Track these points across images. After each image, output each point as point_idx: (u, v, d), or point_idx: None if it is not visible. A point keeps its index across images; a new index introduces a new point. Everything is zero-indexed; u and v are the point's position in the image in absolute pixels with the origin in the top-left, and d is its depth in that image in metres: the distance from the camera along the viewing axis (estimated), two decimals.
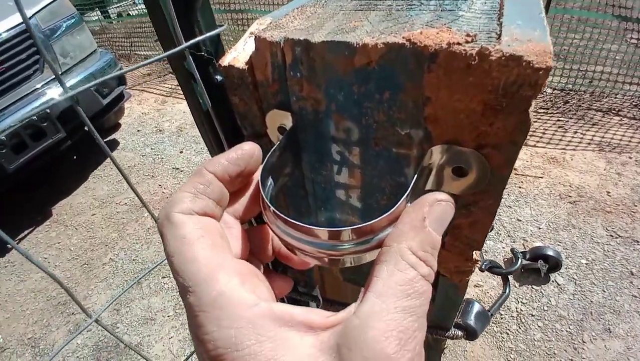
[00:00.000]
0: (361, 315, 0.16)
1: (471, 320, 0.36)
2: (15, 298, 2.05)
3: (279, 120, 0.28)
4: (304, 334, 0.17)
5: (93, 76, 2.45)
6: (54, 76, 2.27)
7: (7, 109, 2.08)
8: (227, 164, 0.22)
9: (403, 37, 0.20)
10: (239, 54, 0.26)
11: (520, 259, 0.44)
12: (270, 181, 0.25)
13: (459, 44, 0.18)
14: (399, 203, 0.20)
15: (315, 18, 0.26)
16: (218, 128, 0.29)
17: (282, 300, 0.50)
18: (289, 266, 0.27)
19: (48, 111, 2.16)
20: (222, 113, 0.30)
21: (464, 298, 0.37)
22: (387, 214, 0.19)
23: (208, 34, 0.26)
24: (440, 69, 0.19)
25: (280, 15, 0.28)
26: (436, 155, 0.23)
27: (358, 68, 0.22)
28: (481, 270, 0.43)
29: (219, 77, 0.29)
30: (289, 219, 0.20)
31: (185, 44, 0.24)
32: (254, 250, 0.25)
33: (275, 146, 0.25)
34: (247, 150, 0.23)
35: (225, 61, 0.26)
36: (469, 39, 0.19)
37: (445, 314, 0.36)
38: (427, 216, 0.18)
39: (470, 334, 0.36)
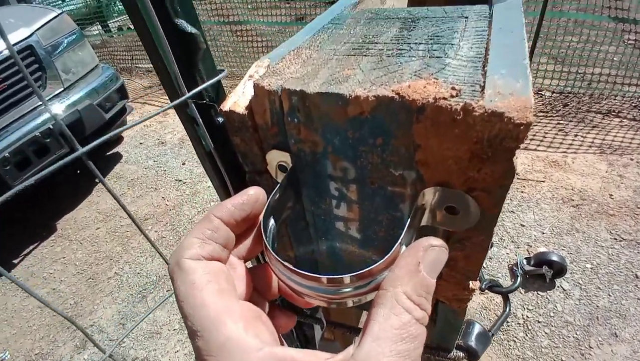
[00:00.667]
0: (359, 358, 0.17)
1: (472, 341, 0.37)
2: (21, 314, 2.06)
3: (278, 158, 0.29)
4: None
5: (96, 91, 2.48)
6: (56, 92, 2.30)
7: (10, 126, 2.11)
8: (233, 209, 0.23)
9: (392, 90, 0.21)
10: (238, 99, 0.28)
11: (519, 278, 0.45)
12: (272, 222, 0.26)
13: (444, 98, 0.20)
14: (394, 248, 0.21)
15: (311, 64, 0.27)
16: (221, 167, 0.30)
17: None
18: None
19: (51, 127, 2.19)
20: (225, 152, 0.31)
21: (465, 319, 0.38)
22: (383, 259, 0.20)
23: (209, 82, 0.27)
24: (428, 121, 0.20)
25: (277, 57, 0.30)
26: (428, 196, 0.24)
27: (351, 117, 0.23)
28: (481, 290, 0.44)
29: (220, 119, 0.30)
30: (290, 266, 0.21)
31: (187, 95, 0.26)
32: (258, 288, 0.26)
33: (275, 189, 0.26)
34: (252, 195, 0.24)
35: (226, 106, 0.27)
36: (454, 92, 0.20)
37: (446, 336, 0.37)
38: (421, 261, 0.19)
39: (472, 355, 0.37)
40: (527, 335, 1.70)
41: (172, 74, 0.24)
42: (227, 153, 0.30)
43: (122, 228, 2.45)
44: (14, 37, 2.17)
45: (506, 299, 0.43)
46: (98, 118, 2.49)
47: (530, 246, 1.98)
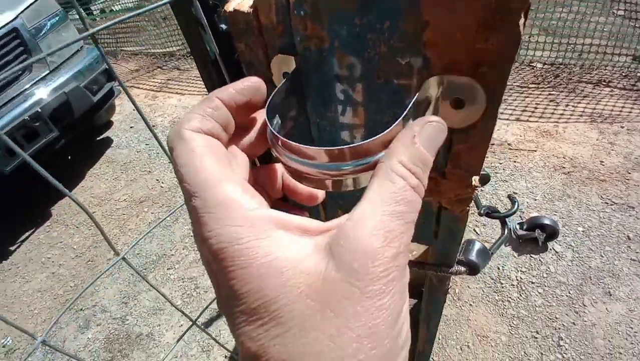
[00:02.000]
0: (352, 218, 0.18)
1: (472, 256, 0.38)
2: (22, 299, 2.06)
3: (283, 66, 0.30)
4: (299, 237, 0.19)
5: (81, 73, 2.43)
6: (42, 75, 2.25)
7: None
8: (234, 92, 0.23)
9: None
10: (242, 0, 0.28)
11: (517, 203, 0.47)
12: (277, 119, 0.26)
13: None
14: (394, 124, 0.20)
15: None
16: (226, 76, 0.30)
17: None
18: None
19: (39, 110, 2.15)
20: (228, 62, 0.31)
21: (465, 239, 0.39)
22: (382, 134, 0.20)
23: None
24: None
25: None
26: (433, 89, 0.24)
27: None
28: (480, 215, 0.45)
29: (223, 26, 0.30)
30: (292, 143, 0.21)
31: None
32: (261, 184, 0.26)
33: (279, 86, 0.26)
34: (254, 82, 0.24)
35: (230, 6, 0.27)
36: None
37: (448, 251, 0.38)
38: (417, 135, 0.19)
39: (473, 269, 0.38)
40: (521, 295, 1.75)
41: None
42: (230, 62, 0.30)
43: (119, 210, 2.44)
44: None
45: (504, 224, 0.44)
46: (86, 101, 2.45)
47: (523, 213, 2.02)
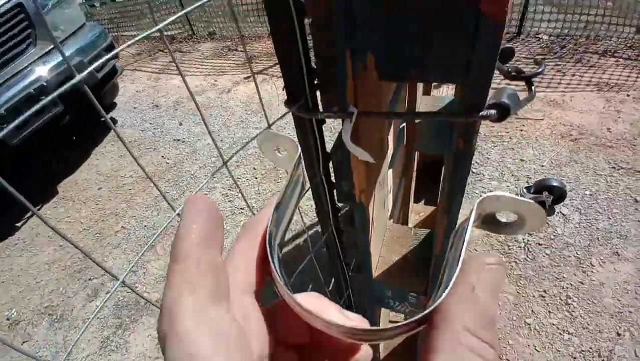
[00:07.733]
0: None
1: (504, 98, 0.38)
2: (28, 272, 2.07)
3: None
4: None
5: (84, 51, 2.42)
6: (47, 50, 2.25)
7: (4, 85, 2.06)
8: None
9: None
10: None
11: (543, 65, 0.46)
12: (276, 255, 0.19)
13: None
14: (445, 293, 0.15)
15: None
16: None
17: None
18: None
19: (45, 84, 2.15)
20: None
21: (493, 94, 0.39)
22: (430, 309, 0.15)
23: None
24: None
25: None
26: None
27: None
28: (506, 76, 0.45)
29: None
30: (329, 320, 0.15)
31: None
32: (283, 332, 0.18)
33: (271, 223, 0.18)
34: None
35: None
36: None
37: (480, 91, 0.37)
38: (476, 285, 0.15)
39: (504, 111, 0.38)
40: (528, 256, 1.74)
41: None
42: None
43: (125, 186, 2.44)
44: None
45: (530, 84, 0.44)
46: (90, 77, 2.44)
47: (530, 178, 2.01)
